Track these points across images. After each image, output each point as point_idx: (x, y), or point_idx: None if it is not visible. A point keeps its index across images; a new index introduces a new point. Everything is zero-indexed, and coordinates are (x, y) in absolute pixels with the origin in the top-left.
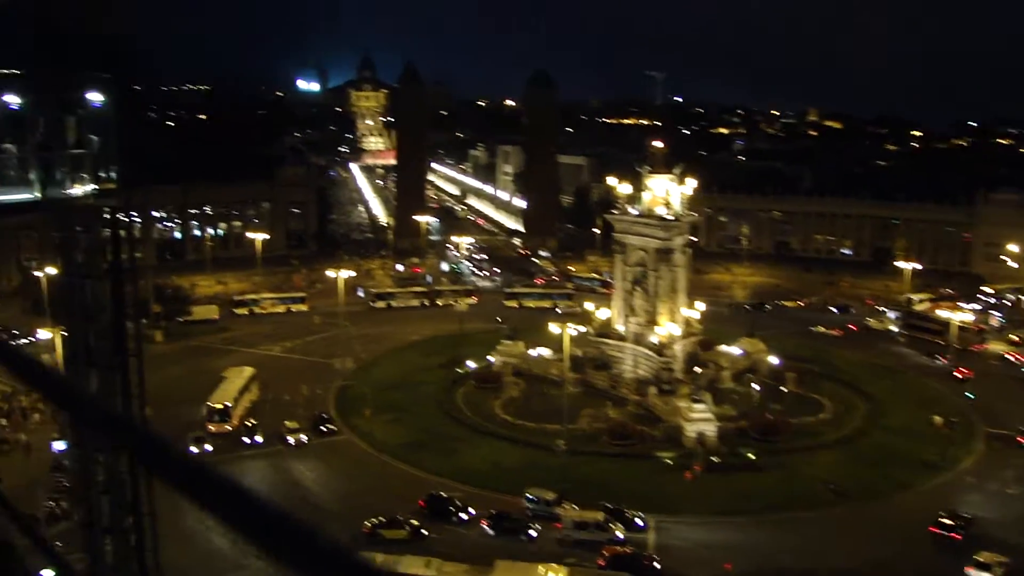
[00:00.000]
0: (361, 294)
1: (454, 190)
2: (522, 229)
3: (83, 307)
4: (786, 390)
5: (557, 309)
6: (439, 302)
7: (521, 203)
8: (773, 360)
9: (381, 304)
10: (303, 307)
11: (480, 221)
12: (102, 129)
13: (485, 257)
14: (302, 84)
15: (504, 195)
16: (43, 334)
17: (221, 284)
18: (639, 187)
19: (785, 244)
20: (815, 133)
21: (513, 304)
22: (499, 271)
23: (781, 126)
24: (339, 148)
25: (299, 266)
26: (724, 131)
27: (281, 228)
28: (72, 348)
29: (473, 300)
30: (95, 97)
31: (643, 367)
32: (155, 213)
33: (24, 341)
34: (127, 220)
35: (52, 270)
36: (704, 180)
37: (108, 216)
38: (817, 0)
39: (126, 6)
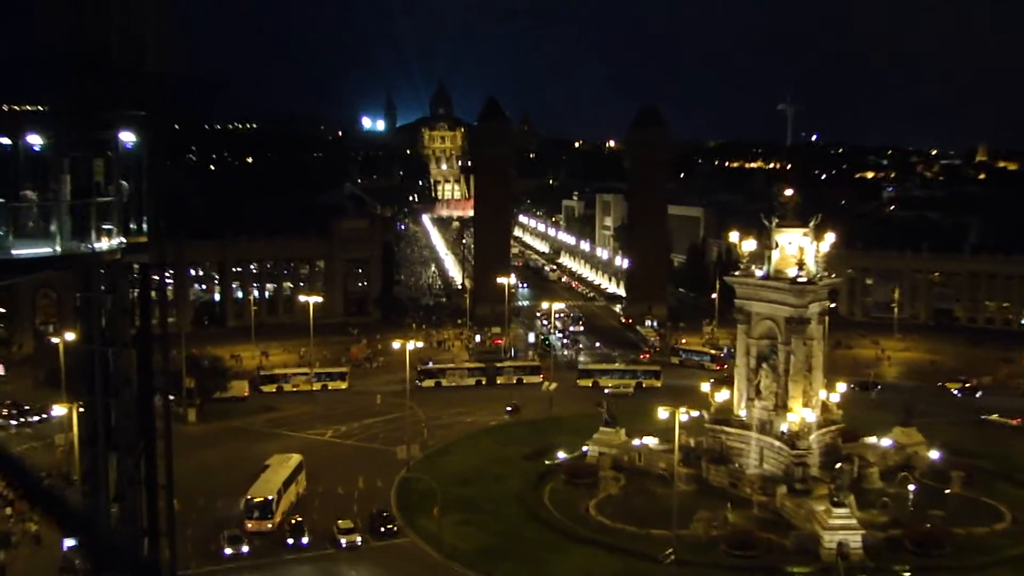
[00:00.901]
0: (429, 365)
1: (543, 247)
2: (624, 294)
3: (104, 379)
4: (950, 492)
5: (607, 389)
6: (499, 380)
7: (624, 263)
8: (933, 455)
9: (429, 383)
10: (341, 384)
11: (575, 284)
12: (134, 174)
13: (580, 327)
14: (367, 122)
15: (603, 253)
16: (58, 410)
17: (266, 355)
18: (766, 244)
19: (947, 312)
20: (983, 176)
21: (586, 383)
22: (598, 344)
23: (941, 169)
24: (408, 197)
25: (359, 335)
26: (870, 175)
27: (338, 291)
28: (90, 427)
29: (543, 381)
30: (127, 137)
31: (770, 461)
32: (192, 271)
33: (36, 418)
34: (159, 279)
35: (70, 336)
36: (846, 235)
37: (137, 274)
38: (987, 12)
39: (170, 40)
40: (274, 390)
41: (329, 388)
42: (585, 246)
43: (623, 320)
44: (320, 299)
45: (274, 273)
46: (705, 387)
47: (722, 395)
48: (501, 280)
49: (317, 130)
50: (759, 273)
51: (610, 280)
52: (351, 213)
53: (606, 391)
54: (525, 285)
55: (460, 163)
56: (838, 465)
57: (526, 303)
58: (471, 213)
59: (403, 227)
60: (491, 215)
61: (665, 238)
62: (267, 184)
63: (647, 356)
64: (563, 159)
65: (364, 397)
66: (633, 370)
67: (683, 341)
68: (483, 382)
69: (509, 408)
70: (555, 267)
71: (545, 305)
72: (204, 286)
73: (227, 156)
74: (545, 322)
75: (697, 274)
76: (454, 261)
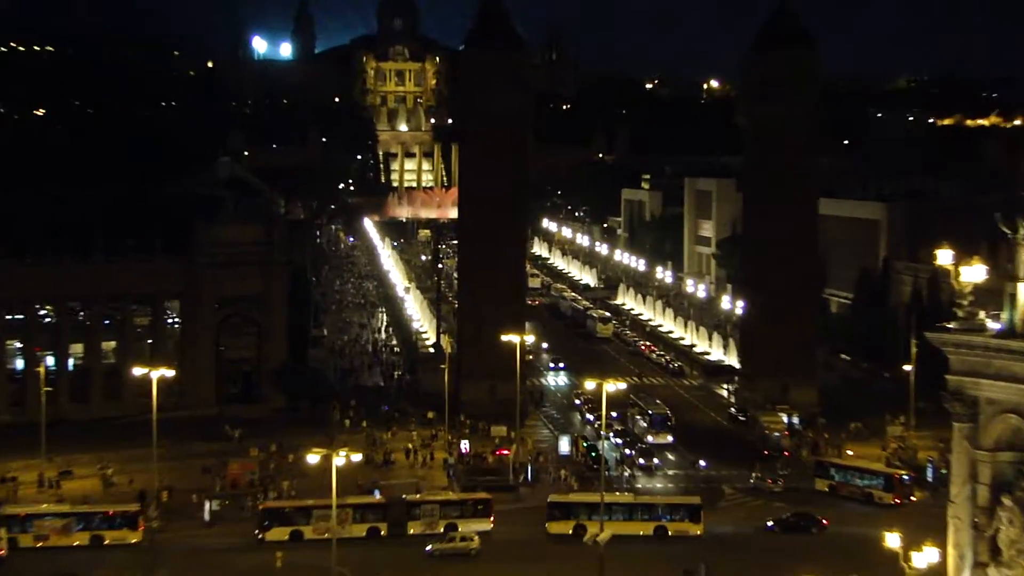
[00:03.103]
0: (378, 496)
1: (586, 275)
2: (738, 363)
3: None
4: None
5: (429, 547)
6: (412, 528)
7: (736, 305)
8: None
9: (278, 533)
10: (130, 536)
11: (645, 345)
12: None
13: (666, 433)
14: (259, 46)
15: (698, 288)
16: None
17: (62, 479)
18: (1009, 271)
19: None
20: None
21: (562, 528)
22: (703, 462)
23: None
24: (338, 184)
25: (242, 440)
26: None
27: (206, 358)
28: None
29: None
30: None
31: None
32: None
33: None
34: None
35: None
36: None
37: None
38: None
39: None
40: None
41: (107, 542)
42: (664, 275)
43: (735, 412)
44: (171, 374)
45: (85, 326)
46: (892, 540)
47: (925, 555)
48: (509, 338)
49: (167, 61)
50: (994, 326)
51: (710, 338)
52: (230, 213)
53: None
54: (548, 347)
55: (433, 122)
56: None
57: (555, 380)
58: (453, 214)
59: (331, 237)
60: (490, 218)
61: (814, 259)
62: (72, 159)
63: (776, 481)
64: (623, 114)
65: (274, 554)
66: (650, 504)
67: (847, 452)
68: (383, 532)
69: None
70: (608, 313)
71: (591, 385)
72: None
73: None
74: (591, 416)
75: (874, 326)
76: (421, 302)
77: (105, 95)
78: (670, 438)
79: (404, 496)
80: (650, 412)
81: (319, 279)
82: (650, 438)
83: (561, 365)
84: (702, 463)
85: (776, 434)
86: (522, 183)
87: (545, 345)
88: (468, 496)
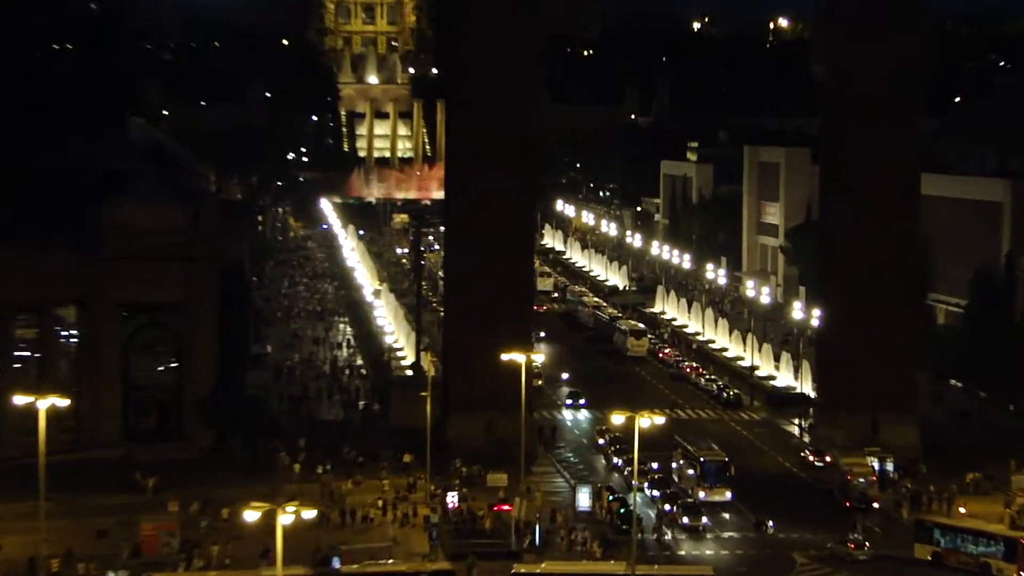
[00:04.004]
0: (337, 566)
1: (611, 275)
2: (813, 392)
3: None
4: None
5: None
6: None
7: (811, 315)
8: None
9: None
10: None
11: (691, 368)
12: None
13: (719, 469)
14: None
15: (764, 291)
16: None
17: None
18: None
19: None
20: None
21: None
22: (771, 523)
23: None
24: (286, 155)
25: (152, 489)
26: None
27: (111, 383)
28: None
29: None
30: None
31: None
32: None
33: None
34: None
35: None
36: None
37: None
38: None
39: None
40: None
41: None
42: (716, 275)
43: (809, 455)
44: (65, 403)
45: None
46: None
47: None
48: (511, 358)
49: None
50: None
51: (776, 358)
52: (144, 192)
53: None
54: (568, 380)
55: (412, 72)
56: None
57: (569, 406)
58: (438, 195)
59: (278, 223)
60: (487, 200)
61: (915, 254)
62: None
63: (861, 546)
64: (663, 62)
65: None
66: None
67: (959, 509)
68: None
69: None
70: (643, 325)
71: (619, 419)
72: None
73: None
74: (619, 461)
75: (994, 342)
76: (396, 310)
77: None
78: (729, 494)
79: (338, 568)
80: (702, 459)
81: (261, 279)
82: (702, 494)
83: (582, 402)
84: (770, 524)
85: (862, 480)
86: (530, 153)
87: (565, 376)
88: (421, 568)
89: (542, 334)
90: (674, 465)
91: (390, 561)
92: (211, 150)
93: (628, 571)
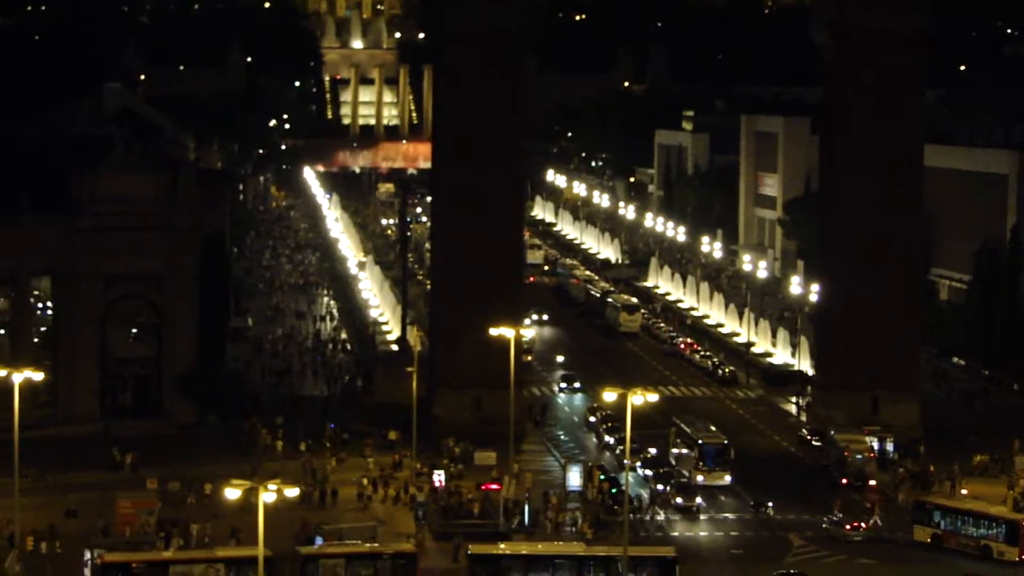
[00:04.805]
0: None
1: (604, 247)
2: (812, 370)
3: None
4: None
5: None
6: None
7: (808, 291)
8: None
9: None
10: None
11: (685, 343)
12: None
13: (718, 452)
14: None
15: (761, 265)
16: None
17: None
18: None
19: None
20: None
21: None
22: (771, 504)
23: None
24: (268, 122)
25: (129, 465)
26: None
27: (87, 356)
28: None
29: None
30: None
31: None
32: None
33: None
34: None
35: None
36: None
37: None
38: None
39: None
40: None
41: None
42: (712, 248)
43: (806, 434)
44: (39, 377)
45: None
46: None
47: None
48: (499, 331)
49: None
50: None
51: (773, 334)
52: (120, 160)
53: None
54: (543, 324)
55: (399, 36)
56: None
57: (563, 390)
58: (425, 165)
59: (260, 192)
60: (475, 170)
61: (917, 228)
62: None
63: (862, 524)
64: (657, 27)
65: None
66: (606, 559)
67: (961, 491)
68: None
69: None
70: (636, 300)
71: (610, 396)
72: None
73: None
74: (610, 440)
75: (998, 319)
76: (381, 282)
77: None
78: (728, 478)
79: (298, 549)
80: (700, 442)
81: (242, 250)
82: (701, 478)
83: (576, 385)
84: (770, 505)
85: (859, 456)
86: (519, 121)
87: (560, 359)
88: (385, 549)
89: (544, 317)
90: (673, 451)
91: (357, 542)
92: (190, 117)
93: (585, 551)
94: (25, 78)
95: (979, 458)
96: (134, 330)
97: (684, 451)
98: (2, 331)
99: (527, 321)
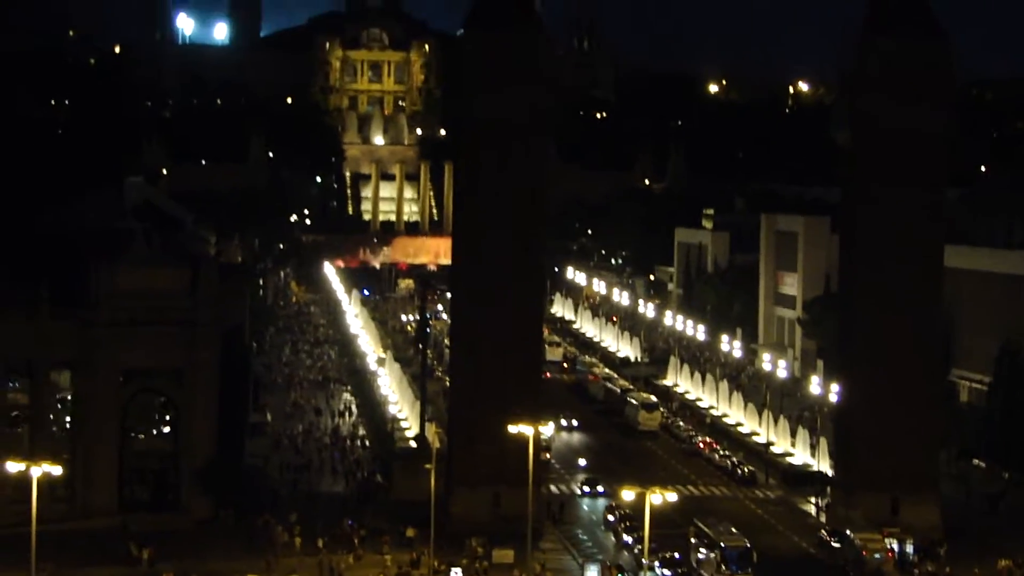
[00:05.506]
0: None
1: (622, 345)
2: (831, 471)
3: None
4: None
5: None
6: None
7: (829, 390)
8: None
9: None
10: None
11: (705, 443)
12: None
13: (741, 555)
14: (185, 26)
15: (781, 365)
16: None
17: None
18: None
19: None
20: None
21: None
22: None
23: None
24: (288, 217)
25: (147, 561)
26: None
27: (106, 450)
28: None
29: None
30: None
31: None
32: None
33: None
34: None
35: None
36: None
37: None
38: None
39: None
40: None
41: None
42: (732, 347)
43: (826, 535)
44: (58, 471)
45: None
46: None
47: None
48: (518, 429)
49: (57, 42)
50: None
51: (793, 434)
52: (141, 254)
53: None
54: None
55: (420, 133)
56: None
57: (586, 494)
58: (446, 261)
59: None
60: (495, 266)
61: (938, 329)
62: None
63: None
64: (678, 126)
65: None
66: None
67: None
68: None
69: None
70: (655, 398)
71: (629, 495)
72: None
73: None
74: (629, 539)
75: (1020, 421)
76: (400, 379)
77: None
78: (747, 565)
79: None
80: (722, 544)
81: (262, 345)
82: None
83: (600, 489)
84: None
85: (876, 555)
86: (539, 218)
87: (582, 462)
88: None
89: (574, 423)
90: (698, 555)
91: None
92: (211, 211)
93: None
94: (48, 170)
95: (1004, 563)
96: (153, 424)
97: (705, 553)
98: (21, 424)
99: (551, 425)
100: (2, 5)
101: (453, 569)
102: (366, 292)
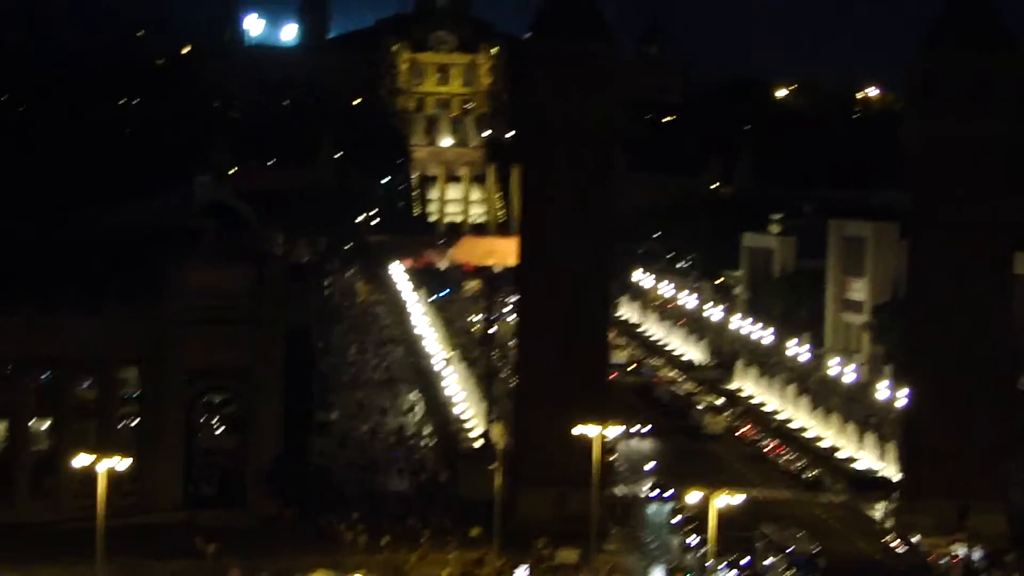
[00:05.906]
0: None
1: (690, 348)
2: (900, 474)
3: None
4: None
5: None
6: None
7: (897, 395)
8: None
9: None
10: None
11: (770, 446)
12: None
13: (808, 561)
14: (253, 28)
15: (848, 370)
16: None
17: None
18: None
19: None
20: None
21: None
22: None
23: None
24: (354, 217)
25: (212, 555)
26: None
27: (173, 449)
28: None
29: None
30: None
31: None
32: None
33: None
34: None
35: None
36: None
37: None
38: None
39: None
40: None
41: None
42: (798, 351)
43: (891, 540)
44: (125, 466)
45: (7, 399)
46: None
47: None
48: (585, 430)
49: (127, 44)
50: None
51: (860, 438)
52: (209, 253)
53: None
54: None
55: (487, 135)
56: None
57: (653, 499)
58: (511, 263)
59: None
60: (562, 268)
61: (1007, 335)
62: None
63: None
64: (746, 131)
65: None
66: None
67: None
68: None
69: None
70: (721, 402)
71: (695, 497)
72: None
73: None
74: (694, 541)
75: None
76: (467, 379)
77: (40, 92)
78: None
79: None
80: (790, 550)
81: (328, 345)
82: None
83: (668, 494)
84: None
85: (943, 560)
86: (606, 221)
87: (631, 433)
88: None
89: (646, 429)
90: (759, 555)
91: None
92: (279, 211)
93: None
94: (118, 171)
95: None
96: (219, 421)
97: (773, 559)
98: (89, 419)
99: (618, 429)
100: (74, 7)
101: (518, 568)
102: (444, 293)
